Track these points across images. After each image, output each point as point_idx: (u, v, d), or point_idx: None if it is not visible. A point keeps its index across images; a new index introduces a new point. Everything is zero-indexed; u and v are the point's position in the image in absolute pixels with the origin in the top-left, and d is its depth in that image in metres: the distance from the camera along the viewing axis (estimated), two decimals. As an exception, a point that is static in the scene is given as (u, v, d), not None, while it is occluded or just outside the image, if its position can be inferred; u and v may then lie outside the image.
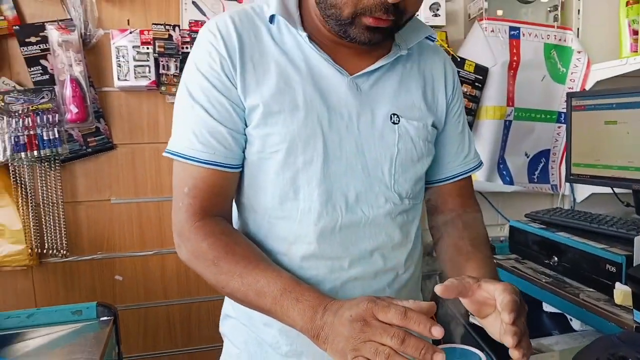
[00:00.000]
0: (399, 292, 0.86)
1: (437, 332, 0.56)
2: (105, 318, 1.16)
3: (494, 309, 0.67)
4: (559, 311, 1.34)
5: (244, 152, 0.79)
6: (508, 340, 0.61)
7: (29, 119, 1.50)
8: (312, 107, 0.76)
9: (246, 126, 0.77)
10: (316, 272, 0.80)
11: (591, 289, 1.24)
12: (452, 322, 1.76)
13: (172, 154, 0.77)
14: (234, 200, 0.85)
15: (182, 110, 0.78)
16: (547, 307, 1.48)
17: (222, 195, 0.79)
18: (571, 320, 1.35)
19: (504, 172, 1.87)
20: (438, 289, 0.62)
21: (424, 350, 0.54)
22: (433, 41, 0.87)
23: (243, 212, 0.85)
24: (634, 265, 1.11)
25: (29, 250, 1.58)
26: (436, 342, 0.61)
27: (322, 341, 0.62)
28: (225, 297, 0.91)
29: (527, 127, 1.89)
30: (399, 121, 0.81)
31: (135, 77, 1.64)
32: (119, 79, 1.63)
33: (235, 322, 0.90)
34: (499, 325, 0.66)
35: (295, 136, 0.75)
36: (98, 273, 1.71)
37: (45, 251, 1.63)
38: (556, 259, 1.37)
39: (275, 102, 0.75)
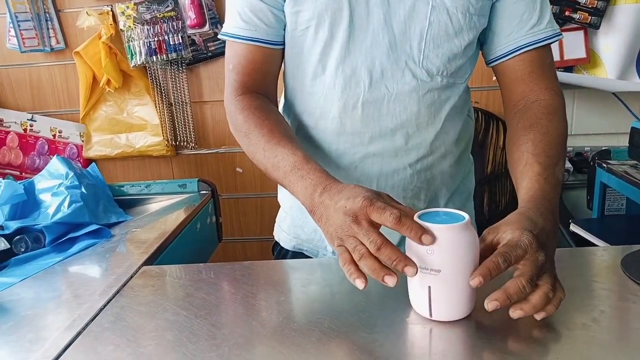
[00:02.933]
0: (422, 173, 0.85)
1: (428, 240, 0.54)
2: (204, 192, 1.36)
3: None
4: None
5: (284, 30, 0.84)
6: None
7: (157, 26, 1.74)
8: None
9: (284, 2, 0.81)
10: (336, 146, 0.84)
11: None
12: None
13: (222, 34, 0.85)
14: (284, 82, 0.91)
15: None
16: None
17: (262, 73, 0.85)
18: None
19: (644, 69, 1.59)
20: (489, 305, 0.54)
21: (397, 261, 0.55)
22: None
23: (287, 90, 0.91)
24: None
25: (166, 142, 1.88)
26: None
27: (317, 218, 0.66)
28: None
29: (685, 13, 1.56)
30: None
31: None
32: (233, -14, 1.76)
33: (285, 191, 1.00)
34: None
35: (323, 11, 0.77)
36: (222, 165, 1.97)
37: (177, 143, 1.92)
38: (673, 161, 1.18)
39: None
